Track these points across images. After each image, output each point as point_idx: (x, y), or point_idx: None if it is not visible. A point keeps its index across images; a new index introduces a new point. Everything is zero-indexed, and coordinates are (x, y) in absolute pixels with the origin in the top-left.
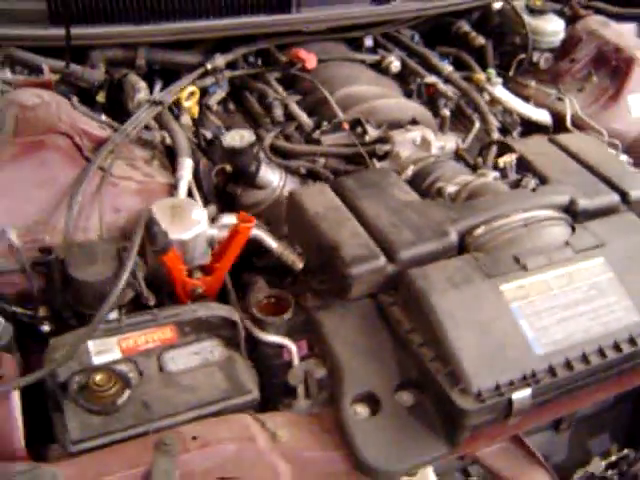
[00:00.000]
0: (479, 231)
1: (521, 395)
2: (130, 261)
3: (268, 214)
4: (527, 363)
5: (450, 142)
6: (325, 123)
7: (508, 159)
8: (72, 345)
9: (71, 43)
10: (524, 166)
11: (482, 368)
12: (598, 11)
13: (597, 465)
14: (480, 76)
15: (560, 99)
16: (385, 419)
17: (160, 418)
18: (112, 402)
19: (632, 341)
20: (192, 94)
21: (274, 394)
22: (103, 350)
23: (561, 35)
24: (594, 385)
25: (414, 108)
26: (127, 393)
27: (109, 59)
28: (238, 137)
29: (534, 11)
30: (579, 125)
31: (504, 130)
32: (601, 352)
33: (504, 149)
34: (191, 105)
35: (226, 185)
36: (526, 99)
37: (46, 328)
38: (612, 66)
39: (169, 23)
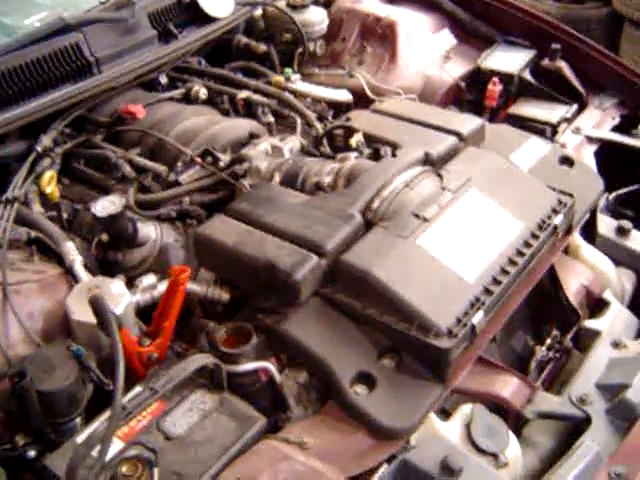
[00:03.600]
0: (375, 204)
1: (478, 318)
2: (120, 362)
3: (155, 266)
4: (468, 292)
5: (295, 142)
6: (179, 164)
7: (357, 138)
8: (104, 437)
9: None
10: (371, 140)
11: (440, 310)
12: None
13: (541, 352)
14: (278, 78)
15: (352, 76)
16: (383, 387)
17: (198, 478)
18: None
19: (527, 244)
20: (51, 178)
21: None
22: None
23: (326, 22)
24: (516, 288)
25: (246, 124)
26: (156, 472)
27: None
28: (109, 204)
29: (296, 7)
30: (377, 93)
31: (320, 118)
32: (511, 261)
33: (347, 131)
34: (53, 189)
35: (105, 255)
36: (320, 86)
37: (32, 454)
38: (379, 34)
39: None
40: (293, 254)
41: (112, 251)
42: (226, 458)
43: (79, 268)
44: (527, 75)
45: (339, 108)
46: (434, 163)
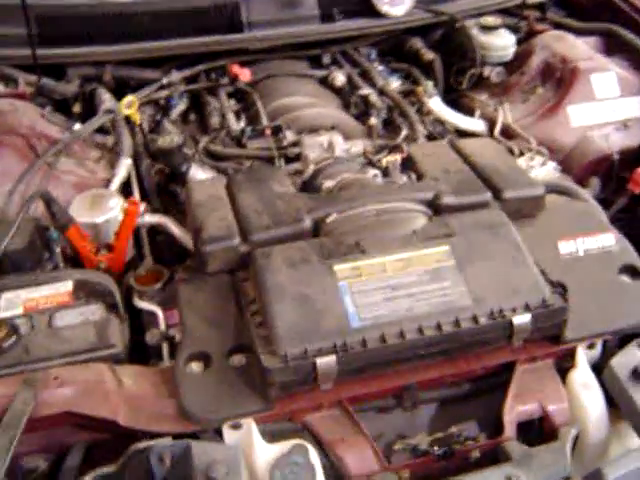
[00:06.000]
0: (330, 219)
1: (325, 361)
2: (17, 221)
3: None
4: (340, 334)
5: (357, 146)
6: (248, 129)
7: (391, 158)
8: None
9: (39, 62)
10: (411, 167)
11: (294, 336)
12: (560, 26)
13: (421, 439)
14: (420, 89)
15: (496, 109)
16: (212, 376)
17: (36, 361)
18: None
19: (457, 323)
20: (132, 103)
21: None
22: (9, 307)
23: (511, 49)
24: (419, 362)
25: (335, 116)
26: (13, 338)
27: (83, 75)
28: (168, 139)
29: (485, 28)
30: (509, 134)
31: (431, 137)
32: (420, 330)
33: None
34: (132, 112)
35: (167, 184)
36: (473, 111)
37: None
38: (556, 77)
39: (133, 44)
40: (222, 229)
41: (173, 183)
42: (66, 360)
43: (116, 181)
44: None
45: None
46: (440, 209)
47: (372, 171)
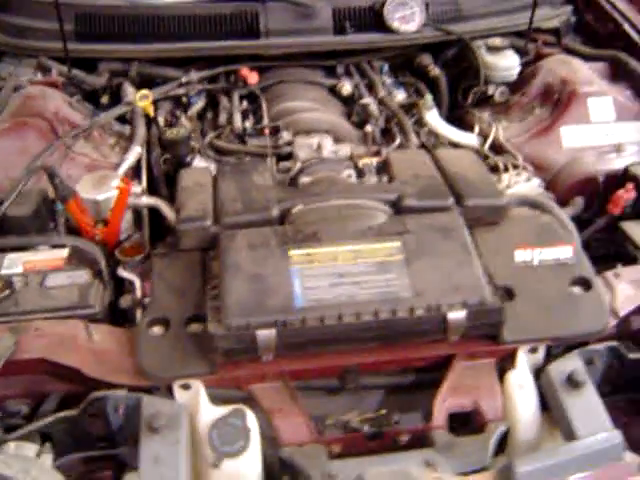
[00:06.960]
0: (295, 209)
1: (265, 333)
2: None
3: None
4: (283, 312)
5: (344, 149)
6: (250, 128)
7: (367, 161)
8: None
9: (71, 55)
10: (386, 170)
11: (241, 308)
12: (571, 51)
13: (352, 416)
14: (421, 102)
15: (490, 126)
16: (169, 340)
17: (22, 313)
18: None
19: (393, 312)
20: (145, 96)
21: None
22: (11, 265)
23: (515, 70)
24: (358, 346)
25: (332, 121)
26: (6, 292)
27: (112, 70)
28: (176, 131)
29: (491, 48)
30: (498, 150)
31: (424, 148)
32: (357, 315)
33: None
34: (145, 104)
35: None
36: (473, 126)
37: None
38: (554, 99)
39: (158, 44)
40: (198, 211)
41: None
42: (49, 315)
43: (124, 165)
44: None
45: None
46: (402, 209)
47: (347, 171)
